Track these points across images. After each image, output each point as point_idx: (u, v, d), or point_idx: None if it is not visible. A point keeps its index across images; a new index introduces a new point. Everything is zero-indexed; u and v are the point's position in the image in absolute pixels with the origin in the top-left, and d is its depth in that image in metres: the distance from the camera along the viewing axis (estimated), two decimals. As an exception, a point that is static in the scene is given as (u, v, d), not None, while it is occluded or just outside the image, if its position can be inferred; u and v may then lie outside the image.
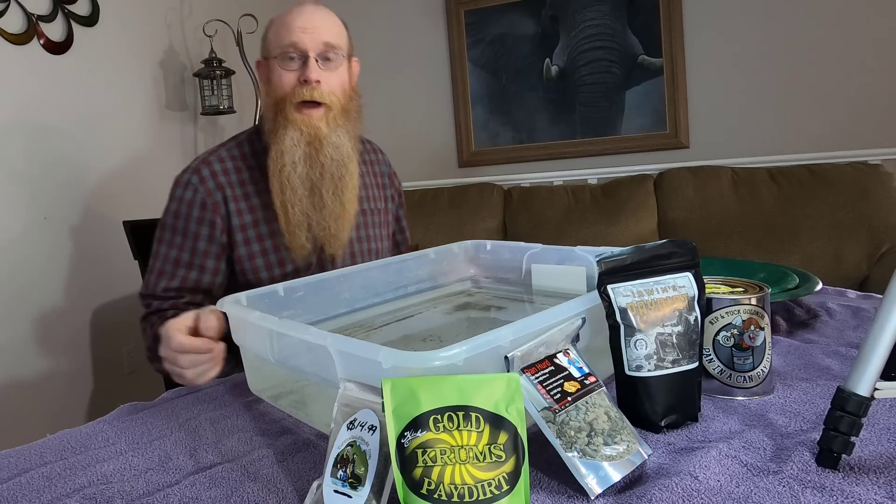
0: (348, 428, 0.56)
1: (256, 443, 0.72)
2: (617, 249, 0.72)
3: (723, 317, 0.73)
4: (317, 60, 1.10)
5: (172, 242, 1.14)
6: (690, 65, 2.64)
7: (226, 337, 0.85)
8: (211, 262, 1.14)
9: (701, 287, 0.69)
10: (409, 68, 3.03)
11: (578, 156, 2.85)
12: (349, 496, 0.53)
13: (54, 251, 1.99)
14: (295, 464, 0.66)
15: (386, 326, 0.98)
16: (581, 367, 0.64)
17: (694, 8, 2.62)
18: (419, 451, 0.51)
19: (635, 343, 0.66)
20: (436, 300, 1.11)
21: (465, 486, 0.50)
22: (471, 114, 2.98)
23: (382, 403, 0.53)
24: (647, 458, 0.59)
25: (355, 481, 0.53)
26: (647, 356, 0.66)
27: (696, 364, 0.68)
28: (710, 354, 0.74)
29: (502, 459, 0.52)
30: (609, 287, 0.68)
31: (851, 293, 1.19)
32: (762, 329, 0.73)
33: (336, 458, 0.55)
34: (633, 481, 0.57)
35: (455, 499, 0.50)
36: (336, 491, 0.53)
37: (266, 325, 0.74)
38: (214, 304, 1.08)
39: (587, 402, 0.60)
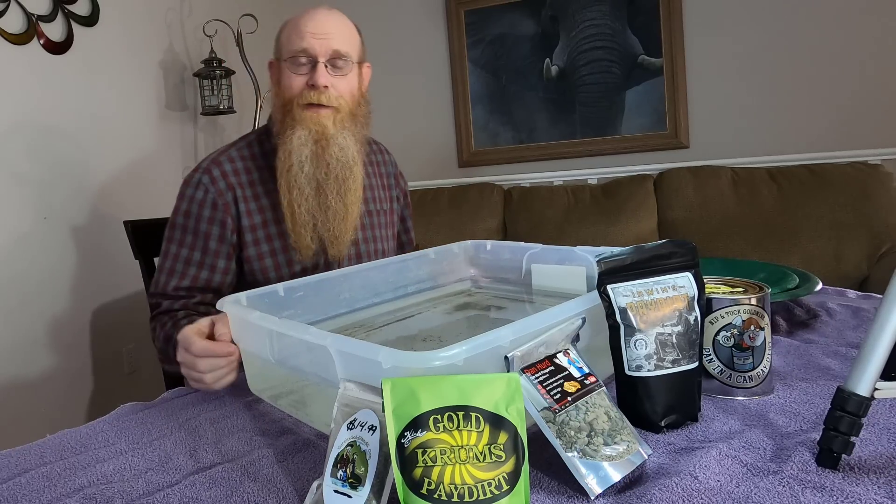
0: (348, 428, 0.56)
1: (256, 443, 0.72)
2: (617, 249, 0.72)
3: (723, 317, 0.73)
4: (326, 66, 1.11)
5: (183, 242, 1.14)
6: (690, 65, 2.64)
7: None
8: (222, 262, 1.14)
9: (701, 287, 0.69)
10: (409, 68, 3.03)
11: (578, 156, 2.85)
12: (349, 496, 0.53)
13: (54, 251, 1.99)
14: (295, 464, 0.66)
15: (386, 326, 0.98)
16: (581, 367, 0.64)
17: (694, 8, 2.62)
18: (419, 451, 0.51)
19: (635, 343, 0.66)
20: (436, 300, 1.11)
21: (465, 486, 0.50)
22: (471, 114, 2.98)
23: (382, 403, 0.53)
24: (647, 458, 0.59)
25: (355, 481, 0.53)
26: (647, 356, 0.66)
27: (696, 364, 0.68)
28: (710, 354, 0.74)
29: (502, 459, 0.52)
30: (609, 287, 0.68)
31: (851, 293, 1.19)
32: (762, 329, 0.73)
33: (336, 458, 0.55)
34: (633, 481, 0.57)
35: (455, 499, 0.50)
36: (336, 491, 0.53)
37: (266, 325, 0.74)
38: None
39: (587, 402, 0.60)
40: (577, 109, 2.82)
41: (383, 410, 0.53)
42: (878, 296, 1.09)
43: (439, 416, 0.52)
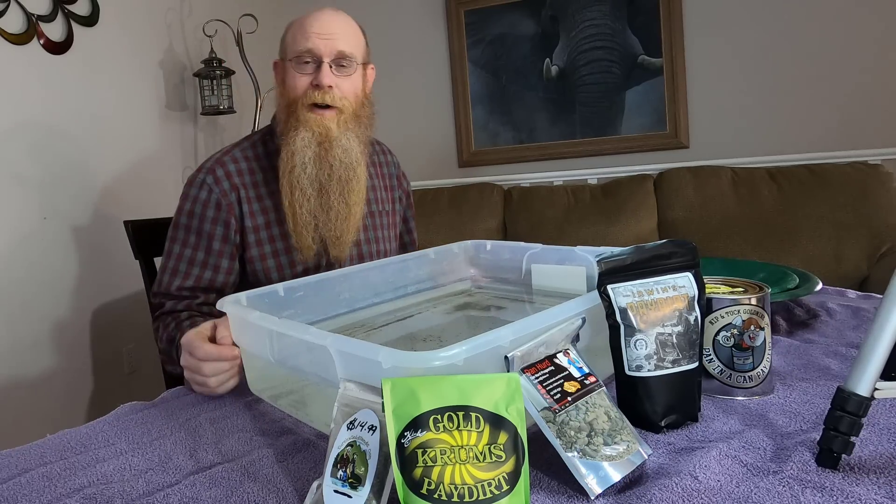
0: (348, 428, 0.56)
1: (256, 443, 0.72)
2: (617, 249, 0.72)
3: (723, 317, 0.73)
4: (331, 66, 1.12)
5: (187, 242, 1.14)
6: (690, 65, 2.64)
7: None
8: (225, 262, 1.15)
9: (701, 287, 0.69)
10: (409, 68, 3.03)
11: (578, 156, 2.85)
12: (349, 496, 0.53)
13: (54, 251, 1.99)
14: (295, 464, 0.66)
15: (386, 326, 0.98)
16: (581, 367, 0.64)
17: (694, 8, 2.62)
18: (419, 451, 0.51)
19: (635, 343, 0.66)
20: (436, 300, 1.11)
21: (465, 486, 0.50)
22: (471, 114, 2.98)
23: (382, 403, 0.53)
24: (647, 458, 0.59)
25: (355, 481, 0.53)
26: (647, 356, 0.66)
27: (696, 364, 0.68)
28: (710, 354, 0.74)
29: (502, 459, 0.52)
30: (609, 287, 0.68)
31: (851, 293, 1.19)
32: (762, 329, 0.73)
33: (336, 458, 0.55)
34: (633, 481, 0.57)
35: (455, 499, 0.50)
36: (336, 491, 0.53)
37: (266, 325, 0.74)
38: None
39: (587, 402, 0.60)
40: (577, 109, 2.82)
41: (383, 410, 0.53)
42: (878, 296, 1.09)
43: (439, 416, 0.52)
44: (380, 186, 1.34)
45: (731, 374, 0.73)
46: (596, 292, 0.69)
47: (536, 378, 0.60)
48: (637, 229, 2.50)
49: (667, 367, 0.66)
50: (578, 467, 0.55)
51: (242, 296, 0.87)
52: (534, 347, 0.62)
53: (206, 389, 0.85)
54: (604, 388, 0.63)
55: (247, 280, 1.19)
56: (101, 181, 2.16)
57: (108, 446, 0.74)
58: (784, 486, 0.54)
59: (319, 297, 0.98)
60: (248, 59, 2.57)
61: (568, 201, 2.64)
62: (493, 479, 0.51)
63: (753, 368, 0.73)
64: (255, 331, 0.79)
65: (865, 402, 0.55)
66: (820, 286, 1.03)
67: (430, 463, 0.51)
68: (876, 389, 0.56)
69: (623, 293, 0.67)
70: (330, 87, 1.11)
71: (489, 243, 1.19)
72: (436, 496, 0.50)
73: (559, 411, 0.58)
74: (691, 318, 0.68)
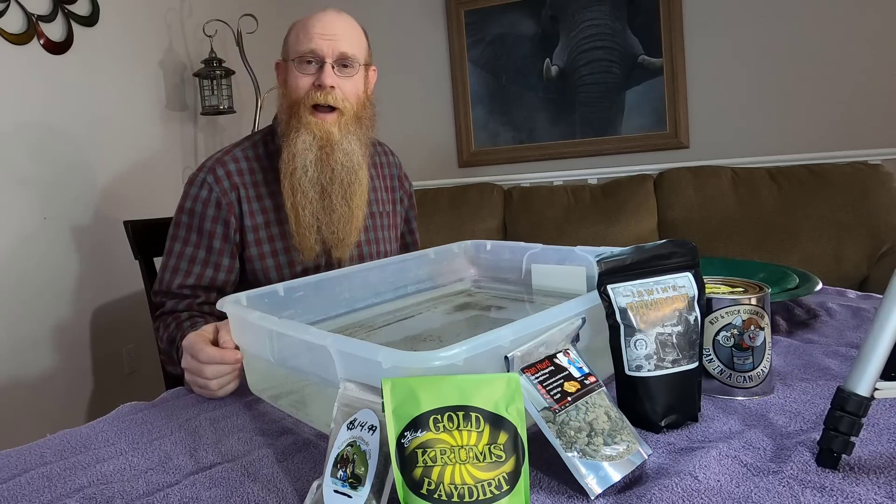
0: (348, 428, 0.56)
1: (256, 443, 0.72)
2: (617, 249, 0.72)
3: (723, 317, 0.73)
4: (333, 67, 1.12)
5: (188, 240, 1.15)
6: (690, 65, 2.64)
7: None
8: (226, 261, 1.15)
9: (701, 287, 0.69)
10: (409, 68, 3.03)
11: (578, 156, 2.85)
12: (349, 496, 0.53)
13: (54, 251, 1.99)
14: (295, 464, 0.66)
15: (386, 326, 0.98)
16: (581, 367, 0.64)
17: (694, 8, 2.62)
18: (419, 451, 0.51)
19: (635, 343, 0.66)
20: (436, 300, 1.11)
21: (465, 486, 0.50)
22: (471, 114, 2.98)
23: (382, 403, 0.53)
24: (647, 458, 0.59)
25: (355, 481, 0.53)
26: (647, 356, 0.66)
27: (696, 364, 0.68)
28: (710, 354, 0.74)
29: (502, 459, 0.52)
30: (609, 287, 0.68)
31: (851, 293, 1.19)
32: (762, 329, 0.73)
33: (336, 458, 0.55)
34: (633, 481, 0.57)
35: (455, 499, 0.50)
36: (336, 491, 0.53)
37: (266, 325, 0.74)
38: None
39: (587, 402, 0.60)
40: (577, 109, 2.82)
41: (383, 410, 0.53)
42: (878, 296, 1.09)
43: (439, 416, 0.52)
44: (381, 187, 1.34)
45: (731, 374, 0.73)
46: (596, 292, 0.69)
47: (536, 378, 0.60)
48: (637, 229, 2.50)
49: (667, 367, 0.66)
50: (578, 467, 0.55)
51: (242, 296, 0.88)
52: (534, 347, 0.62)
53: (207, 392, 0.85)
54: (604, 388, 0.63)
55: (246, 279, 1.19)
56: (101, 181, 2.16)
57: (108, 446, 0.74)
58: (784, 486, 0.54)
59: (319, 297, 0.98)
60: (248, 59, 2.57)
61: (568, 201, 2.63)
62: (493, 479, 0.51)
63: (753, 368, 0.73)
64: (255, 331, 0.79)
65: (865, 402, 0.55)
66: (820, 286, 1.03)
67: (430, 463, 0.51)
68: (876, 389, 0.56)
69: (623, 293, 0.67)
70: (332, 87, 1.11)
71: (489, 243, 1.19)
72: (436, 496, 0.50)
73: (559, 411, 0.58)
74: (691, 318, 0.68)
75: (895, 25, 2.38)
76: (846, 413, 0.56)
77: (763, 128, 2.59)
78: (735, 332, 0.73)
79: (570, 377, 0.62)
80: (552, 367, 0.62)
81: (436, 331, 0.96)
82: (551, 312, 0.66)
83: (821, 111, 2.50)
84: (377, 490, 0.52)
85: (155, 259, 1.46)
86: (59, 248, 2.00)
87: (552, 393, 0.59)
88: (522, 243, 1.13)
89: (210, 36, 2.51)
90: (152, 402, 0.88)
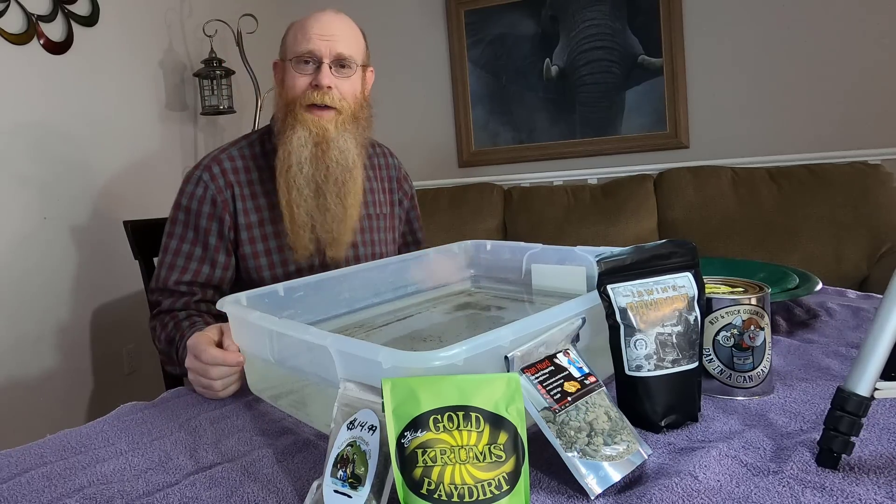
0: (348, 428, 0.56)
1: (256, 443, 0.72)
2: (617, 249, 0.72)
3: (723, 317, 0.73)
4: (331, 67, 1.13)
5: (185, 237, 1.15)
6: (690, 65, 2.64)
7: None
8: (222, 258, 1.16)
9: (701, 287, 0.69)
10: (409, 68, 3.03)
11: (578, 156, 2.85)
12: (349, 496, 0.53)
13: (54, 251, 1.99)
14: (295, 464, 0.66)
15: (386, 326, 0.98)
16: (581, 367, 0.64)
17: (694, 8, 2.62)
18: (419, 451, 0.51)
19: (635, 343, 0.66)
20: (436, 300, 1.11)
21: (465, 486, 0.50)
22: (471, 114, 2.97)
23: (382, 403, 0.53)
24: (647, 458, 0.59)
25: (355, 481, 0.53)
26: (647, 356, 0.66)
27: (696, 364, 0.68)
28: (710, 354, 0.74)
29: (502, 459, 0.52)
30: (609, 287, 0.68)
31: (851, 293, 1.19)
32: (762, 329, 0.73)
33: (336, 458, 0.55)
34: (633, 481, 0.57)
35: (455, 499, 0.50)
36: (336, 491, 0.53)
37: (266, 325, 0.74)
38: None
39: (587, 402, 0.60)
40: (577, 109, 2.82)
41: (383, 410, 0.53)
42: (878, 296, 1.09)
43: (439, 416, 0.52)
44: (378, 189, 1.34)
45: (731, 374, 0.73)
46: (596, 292, 0.69)
47: (536, 378, 0.60)
48: (637, 229, 2.50)
49: (667, 367, 0.66)
50: (578, 467, 0.55)
51: (242, 296, 0.88)
52: (534, 347, 0.62)
53: (210, 392, 0.86)
54: (604, 388, 0.63)
55: (240, 277, 1.20)
56: (101, 181, 2.16)
57: (108, 446, 0.74)
58: (784, 486, 0.54)
59: (319, 297, 0.98)
60: (248, 59, 2.57)
61: (568, 201, 2.63)
62: (493, 479, 0.51)
63: (753, 368, 0.73)
64: (255, 331, 0.79)
65: (865, 402, 0.55)
66: (820, 286, 1.03)
67: (430, 463, 0.51)
68: (876, 389, 0.56)
69: (623, 293, 0.67)
70: (329, 87, 1.12)
71: (489, 243, 1.19)
72: (436, 496, 0.50)
73: (559, 411, 0.58)
74: (691, 318, 0.68)
75: (894, 25, 2.38)
76: (846, 413, 0.56)
77: (763, 128, 2.59)
78: (735, 332, 0.73)
79: (570, 377, 0.62)
80: (552, 367, 0.62)
81: (436, 331, 0.96)
82: (551, 312, 0.66)
83: (821, 111, 2.50)
84: (377, 490, 0.52)
85: (155, 259, 1.46)
86: (59, 248, 2.00)
87: (552, 393, 0.59)
88: (522, 243, 1.13)
89: (210, 36, 2.51)
90: (152, 402, 0.88)
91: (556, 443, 0.57)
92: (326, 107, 1.13)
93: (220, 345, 0.87)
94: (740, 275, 0.93)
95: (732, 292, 0.75)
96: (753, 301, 0.73)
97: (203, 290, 1.15)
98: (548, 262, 1.07)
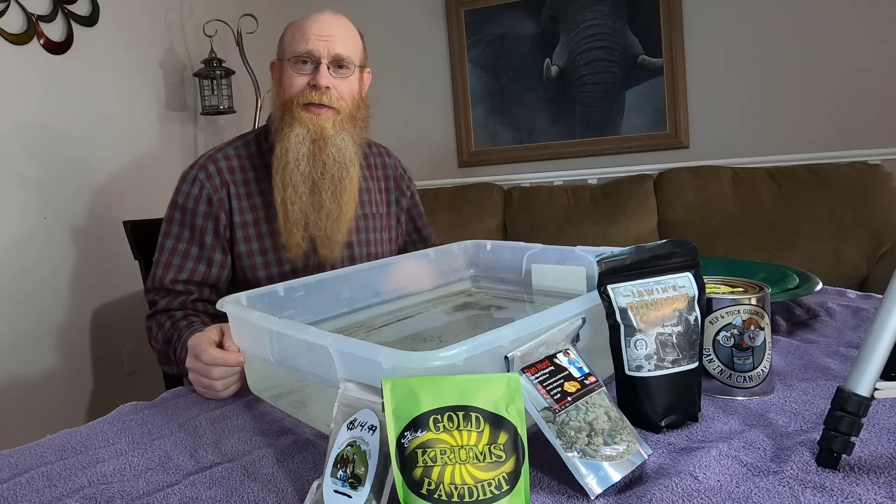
0: (348, 428, 0.56)
1: (256, 443, 0.72)
2: (617, 249, 0.72)
3: (723, 317, 0.73)
4: (329, 67, 1.13)
5: (181, 236, 1.16)
6: (690, 65, 2.64)
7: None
8: (218, 256, 1.16)
9: (701, 287, 0.69)
10: (409, 68, 3.03)
11: (578, 156, 2.85)
12: (349, 496, 0.53)
13: (54, 251, 1.99)
14: (295, 464, 0.66)
15: (386, 326, 0.98)
16: (581, 367, 0.64)
17: (694, 8, 2.62)
18: (419, 451, 0.51)
19: (635, 343, 0.66)
20: (436, 300, 1.11)
21: (465, 486, 0.50)
22: (471, 114, 2.97)
23: (382, 403, 0.53)
24: (647, 458, 0.59)
25: (355, 481, 0.53)
26: (647, 356, 0.66)
27: (696, 364, 0.68)
28: (710, 354, 0.74)
29: (502, 459, 0.52)
30: (609, 287, 0.68)
31: (851, 293, 1.19)
32: (762, 329, 0.73)
33: (336, 458, 0.55)
34: (633, 481, 0.57)
35: (455, 499, 0.50)
36: (336, 491, 0.53)
37: (266, 325, 0.74)
38: (220, 299, 1.09)
39: (587, 402, 0.60)
40: (577, 109, 2.82)
41: (383, 410, 0.53)
42: (878, 296, 1.09)
43: (439, 416, 0.52)
44: (374, 188, 1.34)
45: (731, 374, 0.73)
46: (596, 292, 0.69)
47: (536, 378, 0.60)
48: (637, 229, 2.50)
49: (667, 367, 0.66)
50: (578, 467, 0.55)
51: (242, 296, 0.88)
52: (534, 347, 0.62)
53: (211, 393, 0.86)
54: (604, 388, 0.63)
55: (235, 277, 1.20)
56: (100, 181, 2.16)
57: (108, 446, 0.74)
58: (784, 486, 0.54)
59: (319, 297, 0.98)
60: (248, 59, 2.57)
61: (568, 201, 2.63)
62: (493, 479, 0.51)
63: (753, 368, 0.73)
64: (255, 331, 0.79)
65: (865, 402, 0.55)
66: (820, 286, 1.03)
67: (430, 463, 0.51)
68: (876, 389, 0.56)
69: (623, 293, 0.67)
70: (327, 87, 1.13)
71: (489, 243, 1.19)
72: (436, 496, 0.50)
73: (559, 411, 0.58)
74: (691, 318, 0.68)
75: (895, 25, 2.38)
76: (846, 413, 0.56)
77: (763, 128, 2.59)
78: (735, 332, 0.73)
79: (570, 377, 0.62)
80: (552, 367, 0.62)
81: (436, 331, 0.96)
82: (551, 312, 0.66)
83: (821, 111, 2.50)
84: (377, 490, 0.52)
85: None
86: (58, 248, 2.00)
87: (552, 393, 0.59)
88: (522, 243, 1.13)
89: (210, 36, 2.51)
90: (152, 402, 0.88)
91: (556, 443, 0.57)
92: (324, 106, 1.13)
93: (220, 345, 0.87)
94: (740, 275, 0.93)
95: (732, 292, 0.75)
96: (753, 301, 0.73)
97: (199, 288, 1.15)
98: (548, 262, 1.07)
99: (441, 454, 0.51)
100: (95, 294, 2.12)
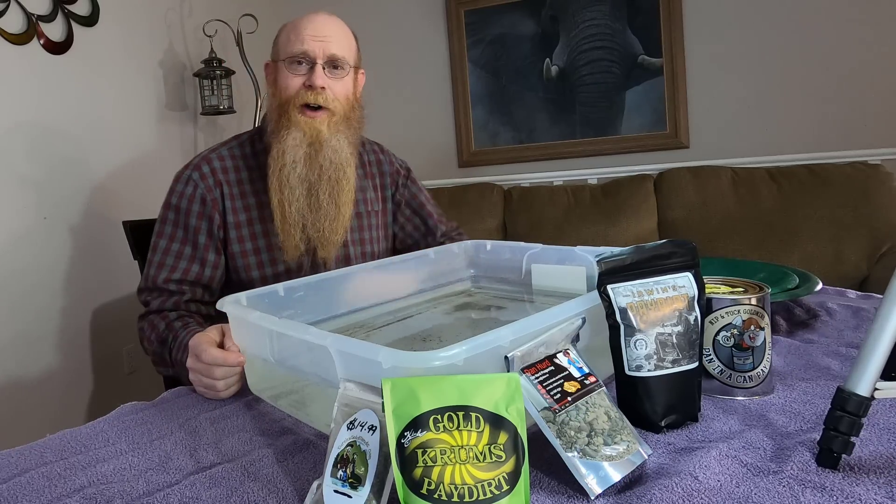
0: (348, 428, 0.56)
1: (256, 443, 0.72)
2: (617, 249, 0.72)
3: (723, 317, 0.73)
4: (324, 68, 1.13)
5: (174, 236, 1.16)
6: (690, 65, 2.64)
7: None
8: (211, 256, 1.16)
9: (701, 287, 0.69)
10: (409, 68, 3.03)
11: (578, 156, 2.85)
12: (349, 496, 0.53)
13: (54, 251, 1.99)
14: (295, 464, 0.66)
15: (386, 326, 0.98)
16: (581, 367, 0.64)
17: (694, 8, 2.62)
18: (419, 451, 0.51)
19: (635, 343, 0.66)
20: (436, 300, 1.11)
21: (465, 486, 0.50)
22: (471, 114, 2.97)
23: (382, 403, 0.53)
24: (647, 458, 0.59)
25: (355, 481, 0.53)
26: (647, 356, 0.66)
27: (696, 364, 0.68)
28: (710, 354, 0.74)
29: (502, 459, 0.52)
30: (609, 287, 0.68)
31: (851, 293, 1.19)
32: (762, 329, 0.73)
33: (336, 458, 0.55)
34: (633, 481, 0.57)
35: (455, 499, 0.50)
36: (336, 491, 0.53)
37: (266, 325, 0.74)
38: (213, 299, 1.08)
39: (587, 402, 0.60)
40: (577, 109, 2.82)
41: (383, 410, 0.53)
42: (878, 296, 1.09)
43: (439, 416, 0.52)
44: (368, 186, 1.34)
45: (731, 374, 0.73)
46: (596, 292, 0.69)
47: (536, 378, 0.60)
48: (637, 229, 2.50)
49: (667, 367, 0.66)
50: (578, 467, 0.55)
51: (242, 296, 0.88)
52: (534, 347, 0.62)
53: (212, 393, 0.86)
54: (604, 388, 0.63)
55: (229, 277, 1.20)
56: (100, 181, 2.16)
57: (108, 446, 0.74)
58: (784, 486, 0.54)
59: (319, 297, 0.98)
60: (248, 59, 2.57)
61: (568, 201, 2.63)
62: (493, 479, 0.51)
63: (753, 368, 0.73)
64: (255, 331, 0.79)
65: (865, 402, 0.55)
66: (820, 286, 1.03)
67: (430, 463, 0.51)
68: (876, 389, 0.56)
69: (623, 293, 0.67)
70: (322, 88, 1.13)
71: (489, 243, 1.19)
72: (436, 496, 0.50)
73: (559, 411, 0.58)
74: (691, 318, 0.68)
75: (895, 25, 2.38)
76: (846, 413, 0.56)
77: (763, 128, 2.59)
78: (735, 332, 0.73)
79: (570, 377, 0.62)
80: (552, 367, 0.62)
81: (436, 331, 0.96)
82: (551, 312, 0.66)
83: (821, 111, 2.50)
84: (377, 490, 0.52)
85: (155, 259, 1.46)
86: (58, 248, 2.00)
87: (552, 393, 0.59)
88: (522, 243, 1.13)
89: (210, 36, 2.51)
90: (152, 402, 0.88)
91: (556, 443, 0.57)
92: (319, 108, 1.14)
93: (221, 345, 0.87)
94: (740, 275, 0.93)
95: (732, 292, 0.75)
96: (753, 301, 0.73)
97: (193, 288, 1.14)
98: (548, 262, 1.07)
99: (441, 454, 0.51)
100: (95, 294, 2.12)
